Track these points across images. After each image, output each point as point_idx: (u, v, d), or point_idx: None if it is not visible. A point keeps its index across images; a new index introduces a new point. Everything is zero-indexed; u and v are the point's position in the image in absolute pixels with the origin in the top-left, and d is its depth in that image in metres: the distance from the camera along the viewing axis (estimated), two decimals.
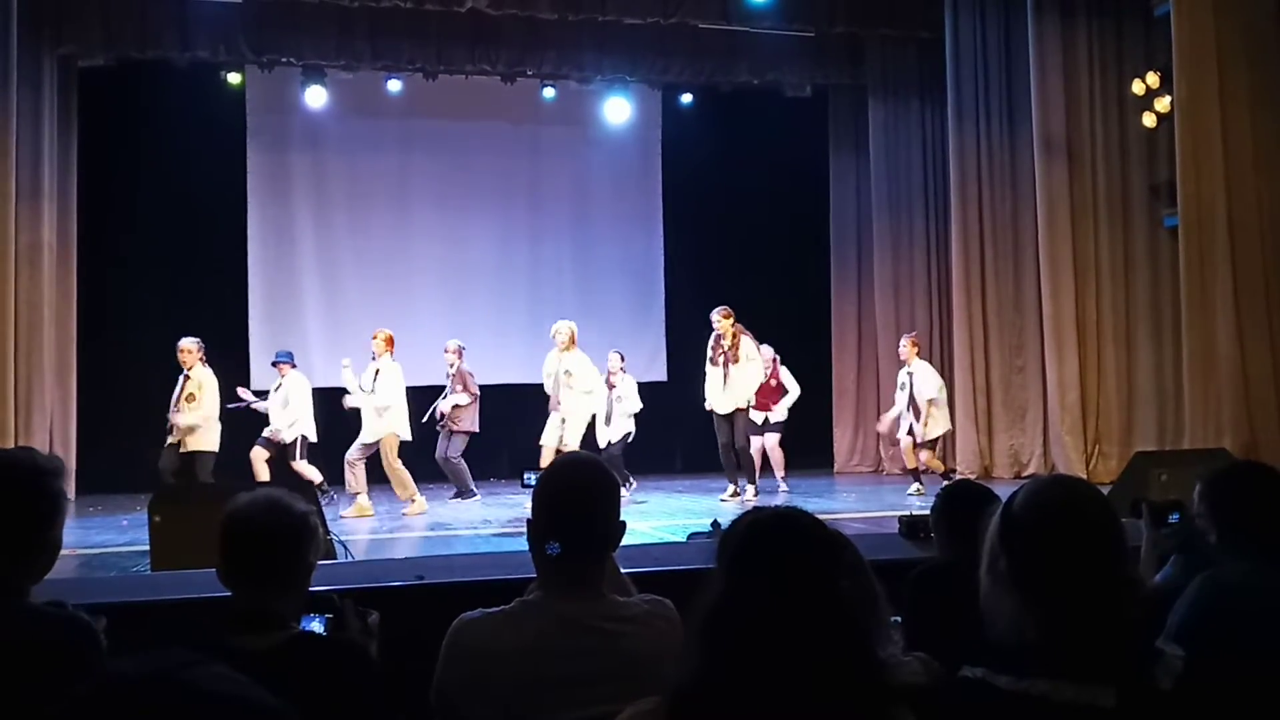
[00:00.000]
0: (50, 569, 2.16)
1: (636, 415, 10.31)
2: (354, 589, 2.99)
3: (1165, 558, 3.45)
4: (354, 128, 12.48)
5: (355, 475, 9.19)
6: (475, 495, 9.55)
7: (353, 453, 9.22)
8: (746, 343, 9.66)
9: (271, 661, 1.94)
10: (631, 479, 10.12)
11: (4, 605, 2.00)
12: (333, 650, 2.16)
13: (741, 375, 9.59)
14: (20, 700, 1.85)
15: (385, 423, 9.16)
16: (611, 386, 10.19)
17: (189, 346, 9.05)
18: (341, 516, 8.74)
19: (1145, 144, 10.79)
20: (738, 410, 9.61)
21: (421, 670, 2.18)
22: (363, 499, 9.16)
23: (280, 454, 9.68)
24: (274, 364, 9.94)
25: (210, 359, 9.28)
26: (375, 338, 9.30)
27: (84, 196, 11.36)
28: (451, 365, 9.72)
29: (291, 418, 9.62)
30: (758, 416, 10.31)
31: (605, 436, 10.08)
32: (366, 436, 9.26)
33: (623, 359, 10.51)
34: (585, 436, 9.57)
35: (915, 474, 10.11)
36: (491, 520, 8.66)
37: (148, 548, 5.16)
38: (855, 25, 11.93)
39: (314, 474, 9.61)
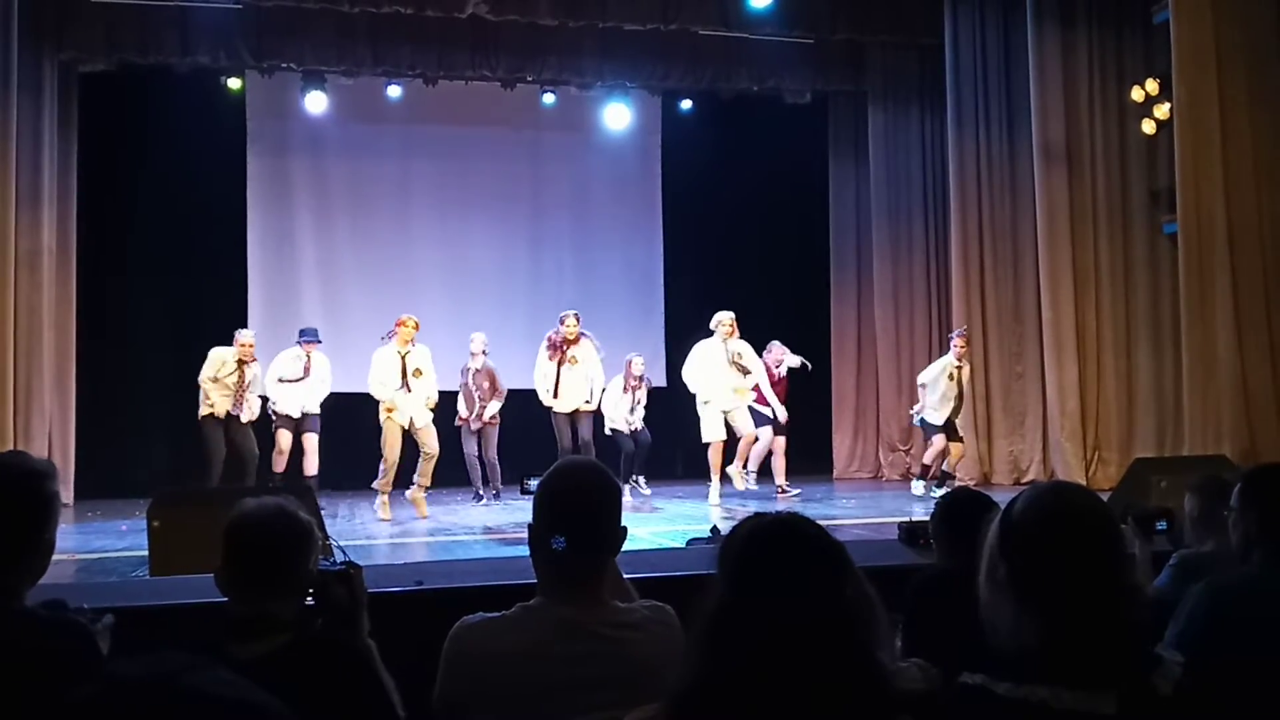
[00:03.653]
0: (44, 572, 2.15)
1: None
2: None
3: (1159, 565, 3.46)
4: (354, 133, 12.47)
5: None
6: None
7: None
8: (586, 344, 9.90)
9: (271, 667, 1.94)
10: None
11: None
12: (333, 654, 2.16)
13: (574, 376, 9.82)
14: (14, 704, 1.84)
15: None
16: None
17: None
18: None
19: (1145, 151, 10.78)
20: (577, 410, 9.82)
21: (420, 675, 2.18)
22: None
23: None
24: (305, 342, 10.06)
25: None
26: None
27: (84, 202, 11.35)
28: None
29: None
30: (768, 411, 10.54)
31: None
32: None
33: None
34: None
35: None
36: (492, 525, 8.66)
37: (146, 553, 5.16)
38: (855, 32, 11.93)
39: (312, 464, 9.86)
